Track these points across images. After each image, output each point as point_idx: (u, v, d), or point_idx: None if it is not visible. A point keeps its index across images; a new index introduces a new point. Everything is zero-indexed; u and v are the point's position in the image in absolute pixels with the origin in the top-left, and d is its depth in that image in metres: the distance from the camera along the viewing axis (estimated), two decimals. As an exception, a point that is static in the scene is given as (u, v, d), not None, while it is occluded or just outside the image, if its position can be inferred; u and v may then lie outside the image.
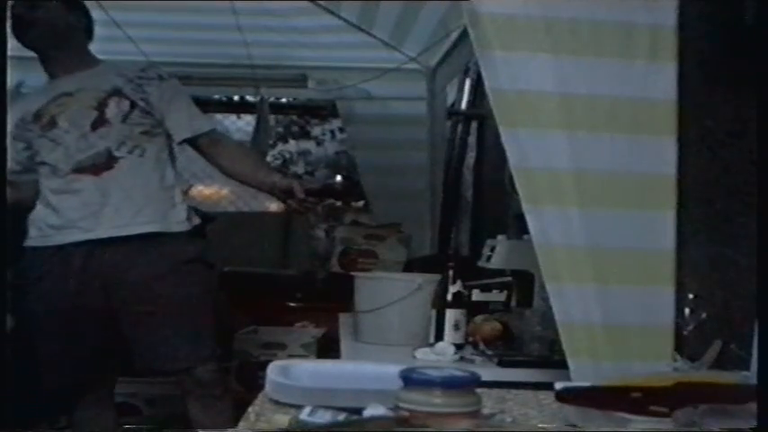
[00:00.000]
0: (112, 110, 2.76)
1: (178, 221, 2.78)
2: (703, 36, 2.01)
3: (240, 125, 6.24)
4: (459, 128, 5.44)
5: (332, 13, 4.06)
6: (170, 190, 2.80)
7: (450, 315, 2.43)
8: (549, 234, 1.91)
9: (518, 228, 2.80)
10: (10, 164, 2.69)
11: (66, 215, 2.73)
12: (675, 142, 1.99)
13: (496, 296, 2.81)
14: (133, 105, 2.78)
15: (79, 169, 2.72)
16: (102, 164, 2.72)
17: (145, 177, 2.75)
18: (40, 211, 2.78)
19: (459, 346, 2.41)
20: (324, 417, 1.40)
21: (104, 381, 2.93)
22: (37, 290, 2.76)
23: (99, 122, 2.74)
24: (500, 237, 2.79)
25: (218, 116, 5.80)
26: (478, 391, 1.37)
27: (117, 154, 2.73)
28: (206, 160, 2.97)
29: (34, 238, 2.78)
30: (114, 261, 2.69)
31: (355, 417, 1.37)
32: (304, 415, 1.41)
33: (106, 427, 2.92)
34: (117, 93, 2.79)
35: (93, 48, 3.97)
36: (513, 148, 1.91)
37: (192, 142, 2.92)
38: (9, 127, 2.72)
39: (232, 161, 2.91)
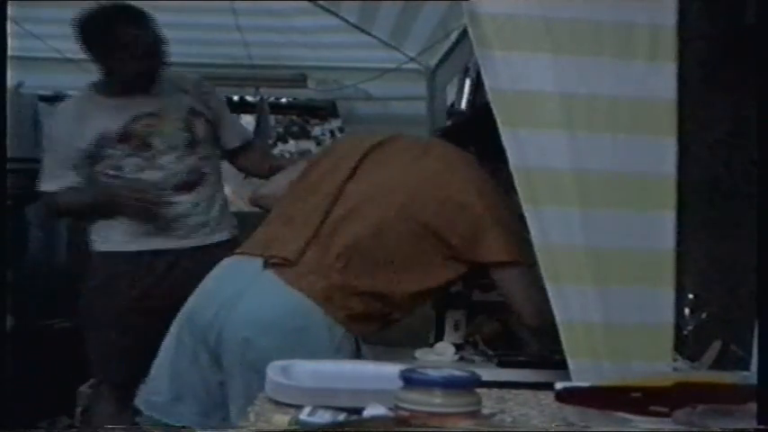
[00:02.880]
0: (199, 129, 3.00)
1: (234, 226, 3.11)
2: (703, 36, 2.01)
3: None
4: (459, 128, 5.42)
5: (332, 13, 4.06)
6: (226, 198, 3.10)
7: (451, 315, 2.44)
8: (549, 234, 1.91)
9: (518, 228, 2.79)
10: (74, 178, 2.92)
11: (159, 224, 2.92)
12: (675, 142, 1.99)
13: (496, 296, 2.81)
14: (207, 121, 3.02)
15: (176, 186, 2.92)
16: (194, 180, 2.96)
17: (219, 188, 3.05)
18: (124, 220, 2.94)
19: (459, 346, 2.41)
20: (324, 417, 1.40)
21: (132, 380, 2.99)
22: (115, 289, 2.93)
23: (192, 143, 2.97)
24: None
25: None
26: (478, 391, 1.37)
27: (204, 170, 3.00)
28: (240, 166, 3.23)
29: (118, 242, 2.94)
30: (196, 267, 2.73)
31: (355, 417, 1.37)
32: (304, 415, 1.41)
33: (122, 425, 2.96)
34: (194, 112, 3.01)
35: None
36: (513, 148, 1.91)
37: (235, 151, 3.16)
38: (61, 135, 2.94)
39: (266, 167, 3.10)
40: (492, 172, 2.24)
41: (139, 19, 2.93)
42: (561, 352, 1.92)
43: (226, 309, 2.09)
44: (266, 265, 2.12)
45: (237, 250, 2.29)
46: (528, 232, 1.95)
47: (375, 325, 2.16)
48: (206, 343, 2.13)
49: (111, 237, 2.96)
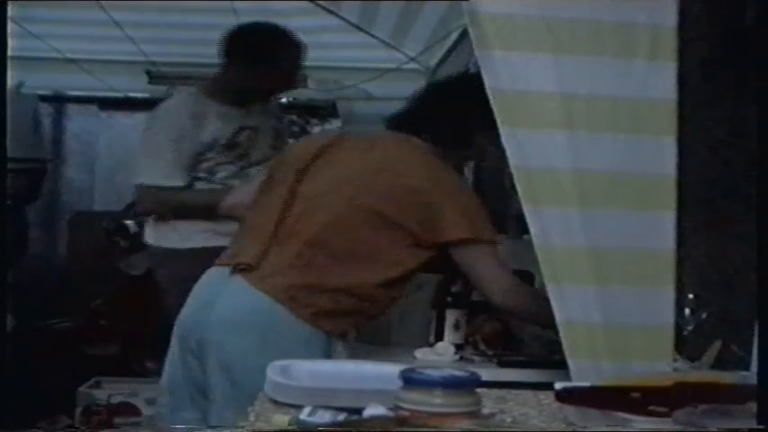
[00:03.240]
0: (278, 148, 3.13)
1: None
2: (703, 36, 2.01)
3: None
4: (459, 128, 5.43)
5: (332, 13, 4.06)
6: None
7: (450, 315, 2.44)
8: (549, 234, 1.91)
9: (518, 228, 2.80)
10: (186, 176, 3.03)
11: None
12: (675, 142, 1.99)
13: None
14: (281, 142, 3.25)
15: None
16: None
17: None
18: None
19: (459, 346, 2.41)
20: (324, 417, 1.40)
21: None
22: None
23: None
24: (500, 237, 2.79)
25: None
26: (478, 391, 1.37)
27: None
28: None
29: (200, 240, 3.03)
30: None
31: (355, 417, 1.37)
32: (304, 415, 1.41)
33: None
34: (277, 132, 3.24)
35: (94, 48, 4.02)
36: (513, 148, 1.91)
37: None
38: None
39: None
40: (446, 155, 2.25)
41: (302, 48, 3.18)
42: (561, 352, 1.92)
43: (203, 315, 2.17)
44: (234, 271, 2.18)
45: (215, 261, 2.34)
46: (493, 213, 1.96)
47: (348, 320, 2.17)
48: (191, 350, 2.19)
49: (195, 236, 3.07)
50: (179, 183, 3.03)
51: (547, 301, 1.92)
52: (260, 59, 3.09)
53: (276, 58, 3.10)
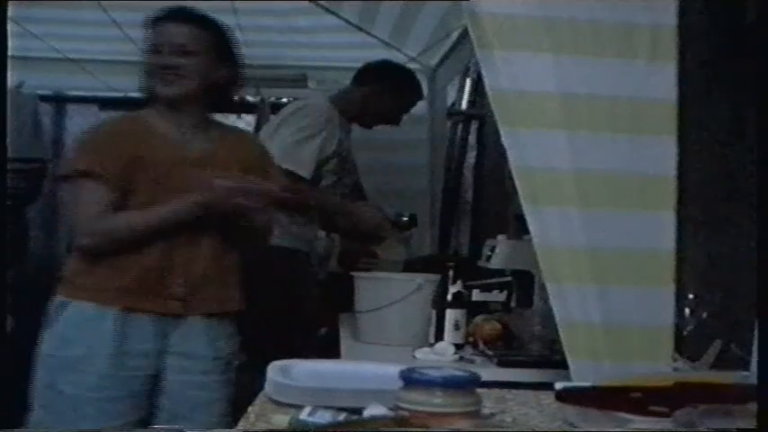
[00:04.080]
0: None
1: None
2: (703, 36, 2.01)
3: (240, 125, 6.23)
4: (460, 128, 5.43)
5: (332, 13, 4.06)
6: None
7: (450, 315, 2.43)
8: (549, 234, 1.91)
9: (518, 228, 2.80)
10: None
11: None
12: (675, 142, 1.99)
13: (496, 296, 2.81)
14: None
15: None
16: None
17: None
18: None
19: (459, 346, 2.41)
20: (324, 417, 1.40)
21: None
22: (308, 278, 3.30)
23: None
24: (500, 237, 2.79)
25: (219, 116, 5.81)
26: (478, 391, 1.37)
27: None
28: None
29: (291, 240, 3.12)
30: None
31: (355, 417, 1.37)
32: (304, 415, 1.41)
33: None
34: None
35: (94, 48, 3.99)
36: (513, 148, 1.91)
37: None
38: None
39: None
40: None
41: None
42: (561, 352, 1.92)
43: None
44: None
45: None
46: None
47: (78, 284, 2.28)
48: None
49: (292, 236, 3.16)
50: (307, 175, 3.07)
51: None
52: (403, 97, 3.38)
53: (411, 101, 3.43)
